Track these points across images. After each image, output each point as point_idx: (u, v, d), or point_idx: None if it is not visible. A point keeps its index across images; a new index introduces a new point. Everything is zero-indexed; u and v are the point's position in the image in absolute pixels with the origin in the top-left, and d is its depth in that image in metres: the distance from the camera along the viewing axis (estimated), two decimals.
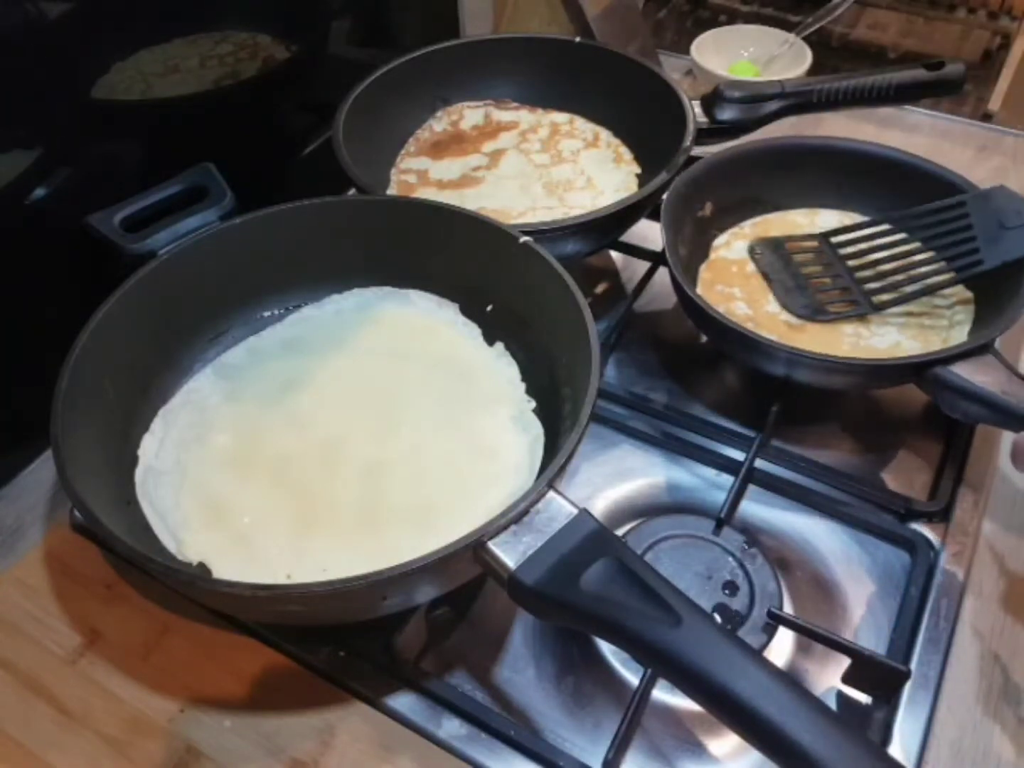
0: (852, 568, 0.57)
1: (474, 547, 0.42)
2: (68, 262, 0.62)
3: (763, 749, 0.37)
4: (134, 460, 0.55)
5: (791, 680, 0.38)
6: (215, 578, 0.48)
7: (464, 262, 0.62)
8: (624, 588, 0.40)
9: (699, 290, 0.67)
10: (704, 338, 0.73)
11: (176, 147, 0.67)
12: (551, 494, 0.44)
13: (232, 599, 0.44)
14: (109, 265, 0.58)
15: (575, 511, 0.44)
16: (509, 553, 0.42)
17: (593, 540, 0.43)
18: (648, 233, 0.74)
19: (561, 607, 0.41)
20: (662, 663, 0.39)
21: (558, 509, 0.44)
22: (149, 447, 0.56)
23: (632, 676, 0.52)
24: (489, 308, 0.62)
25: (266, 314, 0.64)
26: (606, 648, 0.53)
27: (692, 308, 0.62)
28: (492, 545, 0.42)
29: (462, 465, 0.54)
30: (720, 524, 0.56)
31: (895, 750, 0.47)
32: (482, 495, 0.52)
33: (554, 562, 0.42)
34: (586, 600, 0.40)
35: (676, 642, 0.38)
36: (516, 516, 0.43)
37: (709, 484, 0.62)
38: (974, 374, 0.53)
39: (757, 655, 0.39)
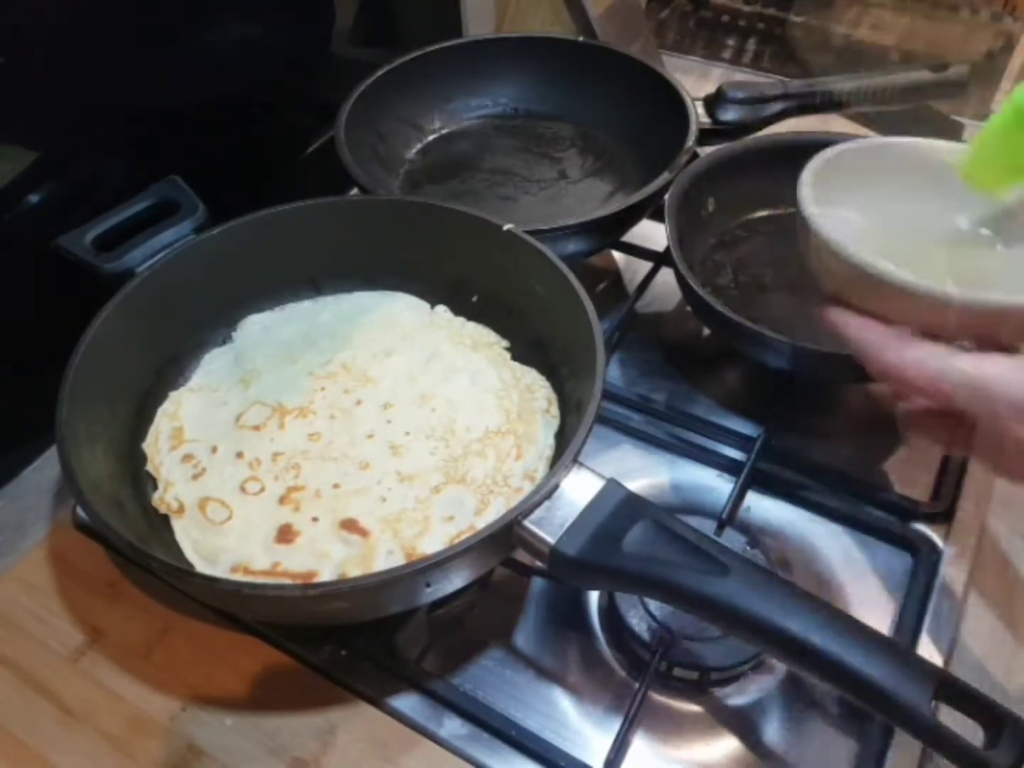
0: (854, 569, 0.57)
1: (511, 526, 0.43)
2: (55, 269, 0.61)
3: (824, 679, 0.39)
4: (137, 460, 0.55)
5: (842, 613, 0.39)
6: (261, 583, 0.47)
7: (452, 256, 0.62)
8: (667, 546, 0.42)
9: None
10: (706, 337, 0.73)
11: (171, 151, 0.67)
12: (577, 467, 0.45)
13: (271, 601, 0.43)
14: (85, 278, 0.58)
15: (603, 481, 0.45)
16: (546, 528, 0.43)
17: (626, 506, 0.44)
18: (650, 233, 0.74)
19: (606, 573, 0.43)
20: (716, 612, 0.40)
21: (586, 481, 0.45)
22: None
23: (632, 676, 0.52)
24: (475, 299, 0.63)
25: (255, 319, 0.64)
26: (606, 648, 0.53)
27: (697, 303, 0.62)
28: (528, 523, 0.43)
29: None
30: (722, 525, 0.56)
31: (898, 753, 0.47)
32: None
33: (592, 531, 0.43)
34: (632, 562, 0.42)
35: (727, 590, 0.40)
36: (547, 492, 0.44)
37: (711, 485, 0.62)
38: None
39: (807, 594, 0.40)
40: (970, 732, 0.36)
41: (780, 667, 0.51)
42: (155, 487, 0.54)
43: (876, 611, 0.54)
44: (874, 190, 0.44)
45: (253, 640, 0.53)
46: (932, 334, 0.37)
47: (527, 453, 0.54)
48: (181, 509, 0.53)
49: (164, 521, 0.52)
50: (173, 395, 0.59)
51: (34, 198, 0.59)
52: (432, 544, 0.49)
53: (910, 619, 0.53)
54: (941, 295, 0.35)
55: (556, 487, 0.45)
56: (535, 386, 0.58)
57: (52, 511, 0.61)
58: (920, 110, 0.91)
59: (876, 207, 0.44)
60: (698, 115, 0.72)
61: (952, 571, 0.55)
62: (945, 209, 0.43)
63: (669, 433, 0.64)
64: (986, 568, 0.55)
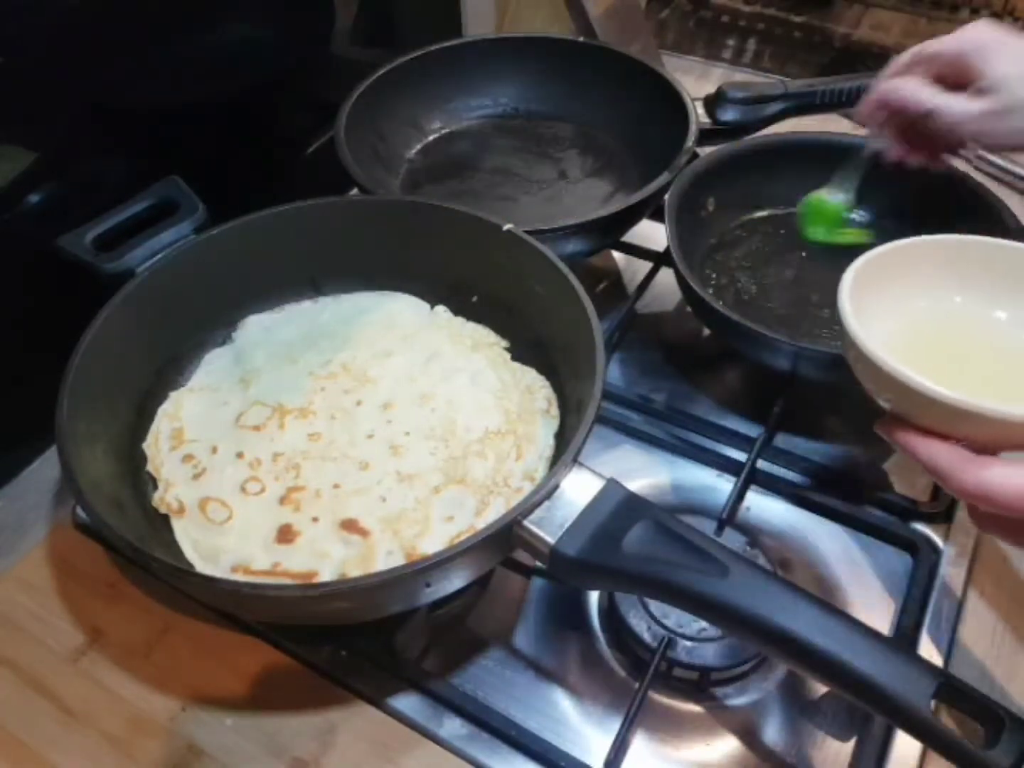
0: (854, 569, 0.57)
1: (511, 526, 0.43)
2: (55, 269, 0.61)
3: (824, 679, 0.39)
4: (137, 460, 0.55)
5: (842, 613, 0.39)
6: (261, 583, 0.47)
7: (452, 256, 0.62)
8: (666, 546, 0.42)
9: None
10: (706, 337, 0.73)
11: (171, 151, 0.67)
12: (577, 468, 0.45)
13: (271, 602, 0.43)
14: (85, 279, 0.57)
15: (603, 481, 0.45)
16: (546, 528, 0.43)
17: (626, 506, 0.44)
18: (650, 233, 0.74)
19: (606, 573, 0.43)
20: (716, 612, 0.40)
21: (586, 481, 0.45)
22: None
23: (632, 676, 0.52)
24: (474, 299, 0.63)
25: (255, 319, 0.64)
26: (606, 648, 0.53)
27: (697, 303, 0.62)
28: (528, 523, 0.43)
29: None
30: (722, 525, 0.56)
31: (897, 753, 0.47)
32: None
33: (592, 531, 0.43)
34: (632, 562, 0.42)
35: (727, 591, 0.40)
36: (547, 493, 0.44)
37: (711, 485, 0.62)
38: None
39: (807, 593, 0.40)
40: (970, 732, 0.36)
41: (780, 667, 0.51)
42: (155, 487, 0.54)
43: (876, 611, 0.54)
44: (912, 288, 0.45)
45: (253, 640, 0.53)
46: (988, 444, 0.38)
47: (527, 453, 0.54)
48: (181, 509, 0.53)
49: (164, 521, 0.52)
50: (173, 395, 0.59)
51: (34, 198, 0.59)
52: (432, 544, 0.49)
53: (910, 619, 0.53)
54: (1000, 414, 0.35)
55: (556, 487, 0.45)
56: (535, 386, 0.58)
57: (52, 511, 0.61)
58: None
59: (916, 306, 0.45)
60: (698, 115, 0.72)
61: (952, 571, 0.55)
62: (983, 302, 0.44)
63: (669, 433, 0.64)
64: (986, 568, 0.55)
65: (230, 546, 0.51)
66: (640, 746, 0.49)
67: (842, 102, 0.72)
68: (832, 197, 0.66)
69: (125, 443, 0.55)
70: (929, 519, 0.58)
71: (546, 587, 0.56)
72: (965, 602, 0.54)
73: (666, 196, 0.66)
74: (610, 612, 0.54)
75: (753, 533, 0.58)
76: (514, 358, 0.61)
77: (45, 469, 0.63)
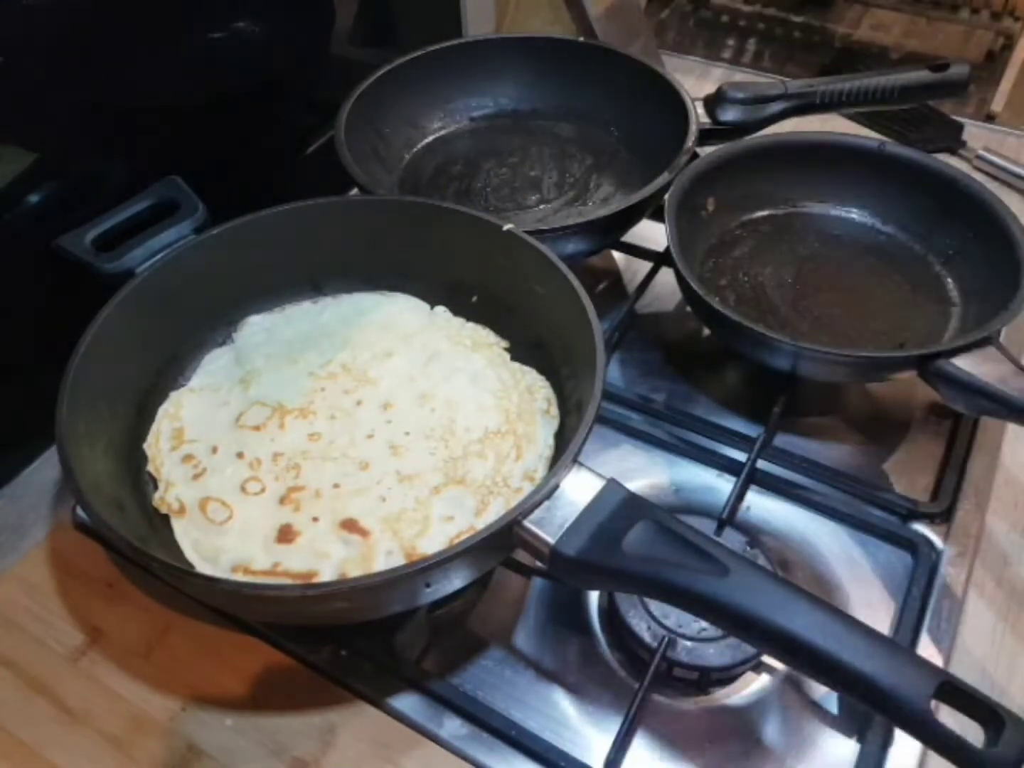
0: (854, 569, 0.57)
1: (511, 527, 0.43)
2: (55, 269, 0.61)
3: (824, 680, 0.39)
4: (137, 460, 0.55)
5: (842, 613, 0.39)
6: (261, 583, 0.47)
7: (452, 256, 0.62)
8: (666, 546, 0.42)
9: None
10: (706, 337, 0.73)
11: (171, 151, 0.67)
12: (577, 467, 0.45)
13: (271, 602, 0.43)
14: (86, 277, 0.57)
15: (603, 481, 0.45)
16: (546, 528, 0.43)
17: (626, 506, 0.44)
18: (650, 233, 0.74)
19: (606, 573, 0.43)
20: (716, 612, 0.40)
21: (586, 481, 0.45)
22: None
23: (632, 676, 0.52)
24: (474, 299, 0.63)
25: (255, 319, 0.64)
26: (606, 648, 0.53)
27: (697, 303, 0.62)
28: (528, 523, 0.43)
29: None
30: (722, 525, 0.56)
31: (896, 753, 0.47)
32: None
33: (592, 531, 0.43)
34: (631, 562, 0.42)
35: (727, 591, 0.40)
36: (547, 493, 0.44)
37: (711, 485, 0.62)
38: (976, 367, 0.53)
39: (807, 593, 0.40)
40: (970, 732, 0.36)
41: (780, 667, 0.51)
42: (155, 487, 0.54)
43: (876, 611, 0.54)
44: None
45: (253, 640, 0.53)
46: None
47: (527, 453, 0.54)
48: (182, 509, 0.53)
49: (164, 521, 0.53)
50: (173, 395, 0.59)
51: (34, 198, 0.59)
52: (432, 544, 0.49)
53: (910, 619, 0.53)
54: None
55: (556, 487, 0.45)
56: (535, 386, 0.58)
57: (52, 511, 0.61)
58: (920, 110, 0.91)
59: None
60: (698, 115, 0.72)
61: (952, 571, 0.55)
62: None
63: (669, 433, 0.64)
64: (986, 568, 0.55)
65: (230, 546, 0.51)
66: (640, 746, 0.49)
67: (842, 102, 0.72)
68: None
69: (125, 443, 0.55)
70: (929, 519, 0.58)
71: (546, 587, 0.56)
72: (965, 602, 0.54)
73: (666, 196, 0.66)
74: (610, 612, 0.54)
75: (753, 533, 0.58)
76: (514, 358, 0.61)
77: (45, 469, 0.63)
